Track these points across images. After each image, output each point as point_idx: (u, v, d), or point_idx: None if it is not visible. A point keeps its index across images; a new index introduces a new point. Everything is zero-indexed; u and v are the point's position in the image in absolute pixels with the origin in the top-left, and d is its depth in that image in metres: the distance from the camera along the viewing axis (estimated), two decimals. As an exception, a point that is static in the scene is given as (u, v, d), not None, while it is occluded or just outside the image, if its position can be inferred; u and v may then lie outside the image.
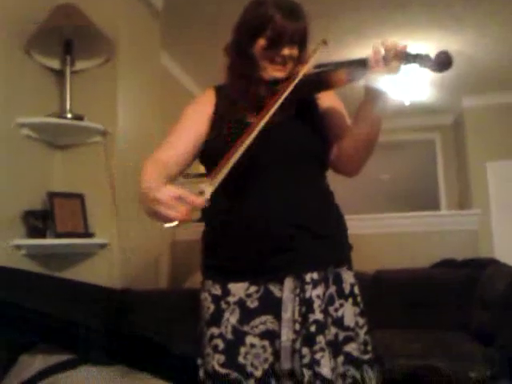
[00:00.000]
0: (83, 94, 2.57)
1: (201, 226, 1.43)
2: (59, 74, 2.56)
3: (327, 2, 3.43)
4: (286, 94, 1.24)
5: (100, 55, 2.58)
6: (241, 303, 1.27)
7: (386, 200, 6.63)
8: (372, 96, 1.25)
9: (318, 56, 1.32)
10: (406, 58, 1.18)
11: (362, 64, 1.22)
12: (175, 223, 1.03)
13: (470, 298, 3.00)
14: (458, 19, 3.90)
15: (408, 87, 4.67)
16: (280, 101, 1.23)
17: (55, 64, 2.53)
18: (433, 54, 1.17)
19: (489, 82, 5.25)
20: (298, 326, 1.23)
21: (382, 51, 1.19)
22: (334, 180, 1.45)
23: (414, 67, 1.20)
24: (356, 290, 1.34)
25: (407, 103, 4.80)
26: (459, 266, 3.39)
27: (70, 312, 1.72)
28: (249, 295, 1.27)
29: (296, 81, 1.27)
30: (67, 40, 2.45)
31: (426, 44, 4.35)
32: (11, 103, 2.32)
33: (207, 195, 1.06)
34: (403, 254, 3.64)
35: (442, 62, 1.16)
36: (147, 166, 1.31)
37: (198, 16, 3.66)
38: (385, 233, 3.79)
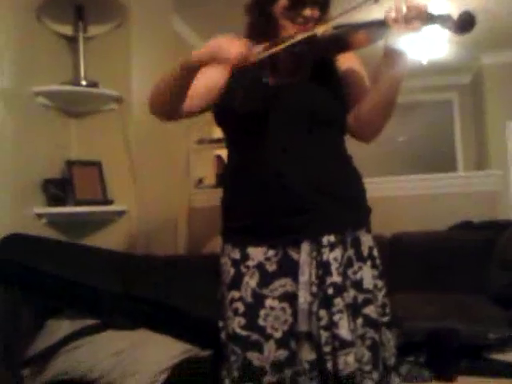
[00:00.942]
0: (97, 60, 2.55)
1: (217, 193, 1.44)
2: (72, 41, 2.53)
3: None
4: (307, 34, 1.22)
5: (112, 20, 2.55)
6: (260, 267, 1.28)
7: (403, 162, 6.54)
8: (391, 57, 1.22)
9: (363, 10, 1.27)
10: (428, 17, 1.14)
11: (381, 24, 1.18)
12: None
13: (489, 260, 2.98)
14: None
15: (425, 45, 4.55)
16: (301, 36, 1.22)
17: (67, 30, 2.50)
18: (455, 13, 1.13)
19: (509, 38, 5.08)
20: (314, 289, 1.24)
21: (404, 10, 1.15)
22: (349, 142, 1.43)
23: (434, 27, 1.16)
24: (375, 252, 1.34)
25: (424, 62, 4.68)
26: (478, 228, 3.37)
27: (92, 278, 1.76)
28: (267, 259, 1.29)
29: (315, 30, 1.24)
30: (79, 5, 2.42)
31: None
32: (25, 71, 2.31)
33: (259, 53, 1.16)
34: (420, 216, 3.62)
35: (464, 23, 1.12)
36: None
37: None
38: (401, 195, 3.76)
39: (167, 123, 1.44)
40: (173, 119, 1.38)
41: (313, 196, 1.26)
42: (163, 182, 2.88)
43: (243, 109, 1.26)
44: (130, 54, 2.66)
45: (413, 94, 5.78)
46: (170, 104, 1.32)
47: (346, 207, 1.31)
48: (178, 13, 3.93)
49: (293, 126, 1.29)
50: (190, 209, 3.76)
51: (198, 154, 4.04)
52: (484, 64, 5.67)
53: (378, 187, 3.63)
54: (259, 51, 1.17)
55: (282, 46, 1.19)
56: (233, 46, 1.13)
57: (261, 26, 1.34)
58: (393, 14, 1.16)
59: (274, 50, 1.18)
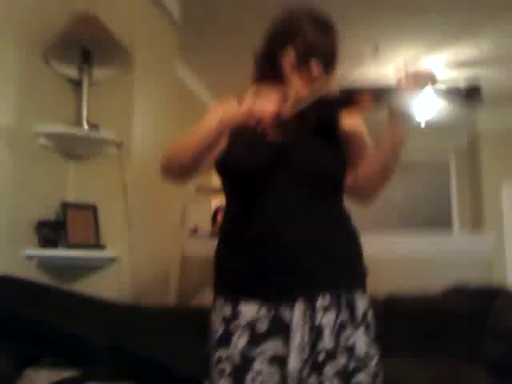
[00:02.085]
0: (100, 104, 2.57)
1: (210, 243, 1.42)
2: (77, 84, 2.56)
3: (341, 9, 3.41)
4: (319, 94, 1.23)
5: (117, 65, 2.59)
6: (250, 326, 1.25)
7: (399, 220, 6.57)
8: (394, 119, 1.23)
9: (367, 60, 1.31)
10: (434, 88, 1.16)
11: (388, 88, 1.20)
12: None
13: (482, 328, 2.94)
14: (476, 35, 3.85)
15: (424, 107, 4.64)
16: (312, 98, 1.23)
17: (73, 73, 2.53)
18: (461, 84, 1.14)
19: (504, 103, 5.19)
20: (305, 354, 1.20)
21: (411, 74, 1.17)
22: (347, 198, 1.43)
23: (441, 99, 1.17)
24: (369, 317, 1.31)
25: (423, 124, 4.77)
26: (471, 294, 3.33)
27: (77, 326, 1.70)
28: (259, 318, 1.25)
29: (325, 87, 1.26)
30: (85, 50, 2.46)
31: (441, 55, 4.31)
32: (28, 111, 2.33)
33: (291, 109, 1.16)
34: (415, 276, 3.59)
35: (471, 93, 1.13)
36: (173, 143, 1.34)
37: (216, 28, 3.67)
38: (396, 254, 3.75)
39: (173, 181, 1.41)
40: (187, 179, 1.37)
41: (309, 256, 1.24)
42: (158, 229, 2.86)
43: (244, 164, 1.26)
44: (132, 100, 2.69)
45: (410, 154, 5.85)
46: (193, 161, 1.29)
47: (342, 268, 1.29)
48: (183, 61, 4.02)
49: (292, 183, 1.28)
50: (183, 258, 3.71)
51: (195, 202, 4.04)
52: (480, 127, 5.79)
53: (373, 245, 3.60)
54: (289, 108, 1.18)
55: (309, 101, 1.20)
56: (268, 105, 1.15)
57: (268, 77, 1.36)
58: (402, 76, 1.18)
59: (302, 104, 1.19)
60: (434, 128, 5.69)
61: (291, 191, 1.28)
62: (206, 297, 1.41)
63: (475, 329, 2.95)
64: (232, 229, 1.34)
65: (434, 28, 3.84)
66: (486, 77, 4.60)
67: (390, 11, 3.58)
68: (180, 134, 1.34)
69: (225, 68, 3.89)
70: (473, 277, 3.43)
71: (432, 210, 6.57)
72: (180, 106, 3.42)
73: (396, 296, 3.36)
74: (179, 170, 1.33)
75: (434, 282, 3.43)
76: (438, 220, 6.26)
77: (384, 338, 1.39)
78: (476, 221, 6.01)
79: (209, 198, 4.27)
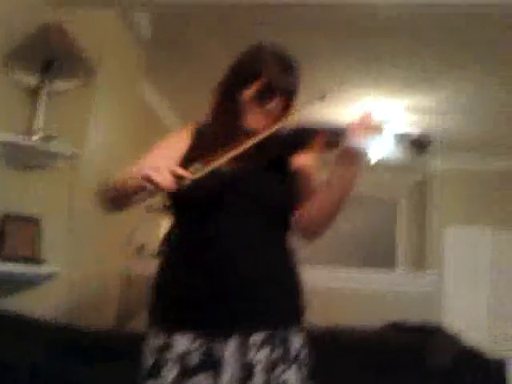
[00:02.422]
0: (56, 115, 2.51)
1: (155, 263, 1.40)
2: (34, 93, 2.50)
3: (306, 51, 3.50)
4: (259, 138, 1.24)
5: (79, 78, 2.55)
6: (181, 358, 1.23)
7: (344, 253, 6.67)
8: (344, 159, 1.25)
9: (310, 109, 1.31)
10: (384, 132, 1.19)
11: (340, 131, 1.23)
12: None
13: (416, 366, 3.00)
14: (432, 82, 4.00)
15: (375, 146, 4.76)
16: (252, 142, 1.23)
17: (32, 81, 2.47)
18: (413, 133, 1.18)
19: (457, 145, 5.39)
20: None
21: (363, 122, 1.20)
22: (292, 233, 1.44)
23: (391, 145, 1.21)
24: (303, 353, 1.31)
25: (372, 161, 4.88)
26: (408, 332, 3.41)
27: (7, 351, 1.62)
28: (191, 350, 1.24)
29: (273, 129, 1.26)
30: (47, 59, 2.41)
31: (399, 101, 4.47)
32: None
33: (190, 178, 1.15)
34: (356, 310, 3.65)
35: (420, 142, 1.17)
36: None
37: (184, 50, 3.67)
38: (339, 287, 3.81)
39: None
40: (117, 211, 1.39)
41: (246, 288, 1.25)
42: (102, 246, 2.79)
43: (193, 192, 1.26)
44: (89, 113, 2.65)
45: (359, 188, 5.98)
46: (126, 200, 1.33)
47: (279, 304, 1.29)
48: (149, 82, 4.01)
49: (236, 214, 1.29)
50: (127, 276, 3.64)
51: (143, 221, 3.98)
52: (430, 168, 5.99)
53: (316, 277, 3.66)
54: (196, 168, 1.17)
55: (215, 163, 1.19)
56: (161, 177, 1.13)
57: (223, 111, 1.37)
58: (352, 124, 1.21)
59: (207, 168, 1.19)
60: (386, 165, 5.86)
61: (235, 223, 1.28)
62: (145, 319, 1.38)
63: (412, 364, 3.00)
64: (172, 254, 1.33)
65: (394, 75, 3.98)
66: (441, 122, 4.80)
67: (353, 58, 3.71)
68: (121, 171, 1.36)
69: (192, 92, 3.89)
70: (412, 313, 3.52)
71: (376, 248, 6.71)
72: (142, 125, 3.39)
73: (336, 329, 3.39)
74: (108, 204, 1.38)
75: (374, 316, 3.49)
76: (382, 258, 6.40)
77: (322, 369, 1.40)
78: (419, 260, 6.17)
79: (158, 217, 4.21)
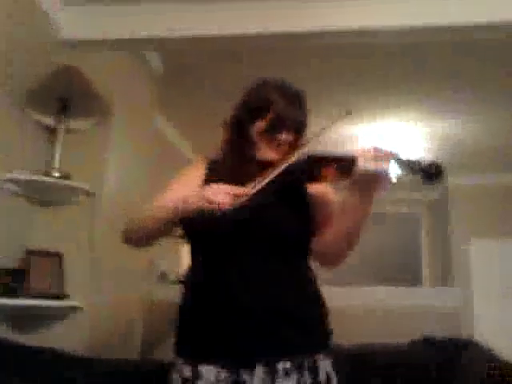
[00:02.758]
0: (74, 153, 2.57)
1: (178, 289, 1.41)
2: (52, 132, 2.56)
3: (315, 81, 3.55)
4: (276, 173, 1.25)
5: (95, 116, 2.61)
6: None
7: (368, 272, 6.60)
8: (356, 196, 1.24)
9: (338, 124, 1.32)
10: (397, 162, 1.18)
11: (352, 160, 1.22)
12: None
13: (448, 381, 2.93)
14: (446, 103, 4.03)
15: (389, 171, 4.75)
16: (269, 177, 1.24)
17: (49, 121, 2.54)
18: (424, 162, 1.16)
19: (473, 162, 5.39)
20: None
21: (372, 151, 1.19)
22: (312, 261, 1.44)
23: (403, 173, 1.19)
24: (332, 378, 1.31)
25: (394, 180, 4.86)
26: (439, 347, 3.34)
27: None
28: (219, 380, 1.24)
29: (288, 162, 1.27)
30: (63, 99, 2.47)
31: (414, 125, 4.48)
32: (0, 158, 2.31)
33: (247, 193, 1.18)
34: (383, 328, 3.60)
35: (431, 175, 1.15)
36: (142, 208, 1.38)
37: (196, 83, 3.75)
38: (366, 305, 3.76)
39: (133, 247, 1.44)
40: (145, 247, 1.41)
41: (270, 320, 1.25)
42: (124, 277, 2.81)
43: (208, 227, 1.27)
44: (107, 150, 2.70)
45: (381, 206, 5.96)
46: (146, 238, 1.37)
47: (304, 332, 1.29)
48: (164, 114, 4.09)
49: (255, 246, 1.30)
50: (150, 303, 3.65)
51: (163, 249, 4.00)
52: (450, 184, 5.94)
53: (341, 296, 3.63)
54: (248, 191, 1.20)
55: (269, 178, 1.22)
56: (221, 197, 1.16)
57: (236, 145, 1.40)
58: (363, 152, 1.20)
59: (259, 186, 1.22)
60: (407, 182, 5.83)
61: (252, 254, 1.30)
62: (170, 345, 1.38)
63: (444, 381, 2.93)
64: (194, 291, 1.35)
65: (406, 100, 4.02)
66: (457, 142, 4.78)
67: (363, 85, 3.74)
68: (147, 203, 1.39)
69: (206, 122, 3.95)
70: (441, 330, 3.45)
71: (402, 266, 6.63)
72: (159, 159, 3.44)
73: (363, 348, 3.34)
74: (135, 242, 1.40)
75: (402, 333, 3.43)
76: (408, 275, 6.31)
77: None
78: (445, 278, 6.08)
79: (177, 245, 4.24)
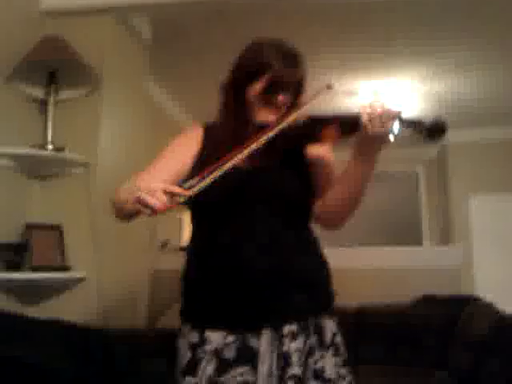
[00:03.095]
0: (66, 124, 2.55)
1: (182, 256, 1.40)
2: (43, 104, 2.52)
3: (311, 37, 3.48)
4: (270, 134, 1.21)
5: (85, 85, 2.57)
6: (218, 353, 1.25)
7: (368, 231, 6.63)
8: (363, 154, 1.22)
9: (319, 100, 1.27)
10: (401, 121, 1.15)
11: (354, 120, 1.19)
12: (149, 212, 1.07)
13: (450, 337, 2.98)
14: (440, 57, 3.96)
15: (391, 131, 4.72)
16: (262, 139, 1.20)
17: (39, 93, 2.51)
18: (428, 120, 1.13)
19: (471, 117, 5.34)
20: (274, 381, 1.20)
21: (377, 111, 1.16)
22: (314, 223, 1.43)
23: (407, 131, 1.16)
24: (338, 338, 1.32)
25: (392, 139, 4.84)
26: (440, 304, 3.38)
27: (39, 356, 1.64)
28: (226, 344, 1.25)
29: (284, 123, 1.24)
30: (52, 71, 2.44)
31: (409, 81, 4.42)
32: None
33: (186, 195, 1.10)
34: (384, 289, 3.63)
35: (436, 131, 1.13)
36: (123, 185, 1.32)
37: (187, 47, 3.68)
38: (366, 266, 3.78)
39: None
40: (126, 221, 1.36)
41: (275, 284, 1.25)
42: (126, 247, 2.82)
43: (210, 194, 1.25)
44: (99, 119, 2.66)
45: (379, 165, 5.93)
46: (130, 215, 1.30)
47: (308, 294, 1.29)
48: (155, 80, 4.02)
49: (259, 210, 1.29)
50: (154, 272, 3.67)
51: (164, 216, 4.00)
52: (448, 141, 5.91)
53: (342, 258, 3.64)
54: (191, 184, 1.12)
55: (214, 174, 1.13)
56: (154, 199, 1.06)
57: (233, 108, 1.37)
58: (367, 110, 1.16)
59: (206, 180, 1.13)
60: (404, 140, 5.80)
61: (258, 220, 1.28)
62: (177, 312, 1.39)
63: (446, 337, 2.99)
64: (198, 256, 1.34)
65: (405, 58, 3.96)
66: (454, 97, 4.73)
67: (361, 43, 3.67)
68: (132, 177, 1.34)
69: (198, 87, 3.90)
70: (442, 288, 3.48)
71: (402, 225, 6.65)
72: (153, 125, 3.39)
73: (367, 307, 3.39)
74: (121, 218, 1.34)
75: (403, 293, 3.47)
76: (408, 234, 6.34)
77: (355, 347, 1.39)
78: (445, 236, 6.11)
79: (178, 212, 4.24)
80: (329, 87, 1.28)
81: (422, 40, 3.68)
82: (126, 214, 1.28)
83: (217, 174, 1.13)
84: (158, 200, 1.06)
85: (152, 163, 1.37)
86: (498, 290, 4.77)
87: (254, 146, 1.19)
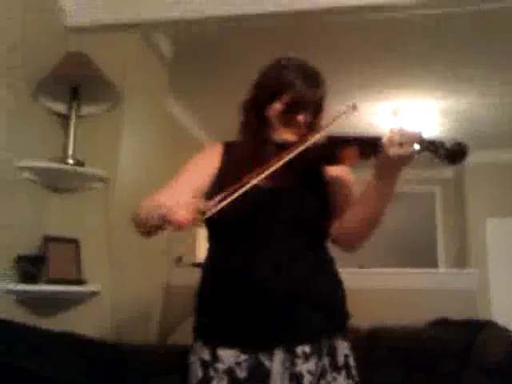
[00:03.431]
0: (87, 139, 2.59)
1: (196, 272, 1.41)
2: (65, 119, 2.57)
3: (332, 59, 3.50)
4: (292, 155, 1.21)
5: (106, 101, 2.62)
6: (229, 372, 1.24)
7: (385, 252, 6.57)
8: (384, 176, 1.21)
9: (343, 120, 1.26)
10: (421, 143, 1.14)
11: (375, 142, 1.18)
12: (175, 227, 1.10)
13: (466, 361, 2.93)
14: (460, 80, 3.96)
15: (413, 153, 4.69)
16: (284, 160, 1.20)
17: (62, 109, 2.56)
18: (448, 142, 1.12)
19: (489, 139, 5.29)
20: None
21: (398, 134, 1.15)
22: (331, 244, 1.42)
23: (427, 154, 1.15)
24: (351, 361, 1.31)
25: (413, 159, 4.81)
26: (455, 327, 3.33)
27: (53, 369, 1.65)
28: (238, 363, 1.25)
29: (308, 143, 1.24)
30: (75, 86, 2.49)
31: (428, 103, 4.42)
32: (14, 146, 2.34)
33: (210, 211, 1.11)
34: (399, 310, 3.58)
35: (455, 155, 1.12)
36: (146, 200, 1.33)
37: (208, 64, 3.71)
38: (381, 288, 3.75)
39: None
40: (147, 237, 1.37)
41: (289, 304, 1.24)
42: (141, 262, 2.83)
43: (229, 213, 1.26)
44: (120, 135, 2.69)
45: (397, 185, 5.89)
46: (151, 232, 1.31)
47: (322, 315, 1.28)
48: (175, 98, 4.07)
49: (274, 230, 1.29)
50: (167, 287, 3.68)
51: (178, 232, 4.01)
52: (466, 162, 5.84)
53: (357, 278, 3.62)
54: (215, 203, 1.12)
55: (235, 194, 1.14)
56: (179, 215, 1.09)
57: (253, 127, 1.38)
58: (387, 135, 1.16)
59: (228, 199, 1.13)
60: (421, 161, 5.76)
61: (274, 241, 1.28)
62: (189, 328, 1.39)
63: (462, 362, 2.93)
64: (214, 274, 1.34)
65: (426, 77, 3.94)
66: (472, 118, 4.71)
67: (383, 61, 3.68)
68: (154, 194, 1.35)
69: (218, 104, 3.93)
70: (457, 312, 3.43)
71: (417, 246, 6.58)
72: (173, 142, 3.43)
73: (380, 328, 3.34)
74: (141, 234, 1.35)
75: (417, 315, 3.43)
76: (423, 256, 6.27)
77: (367, 369, 1.38)
78: (461, 259, 6.03)
79: (194, 228, 4.25)
80: (354, 107, 1.28)
81: (444, 62, 3.68)
82: (149, 229, 1.29)
83: (240, 191, 1.14)
84: (182, 216, 1.08)
85: (173, 179, 1.38)
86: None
87: (276, 166, 1.19)
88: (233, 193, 1.14)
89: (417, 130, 1.15)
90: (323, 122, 1.35)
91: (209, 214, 1.11)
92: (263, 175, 1.18)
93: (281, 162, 1.20)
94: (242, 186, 1.15)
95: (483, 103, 4.44)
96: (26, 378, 1.55)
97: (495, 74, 3.88)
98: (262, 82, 1.39)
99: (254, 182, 1.16)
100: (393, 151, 1.14)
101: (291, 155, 1.22)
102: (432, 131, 4.96)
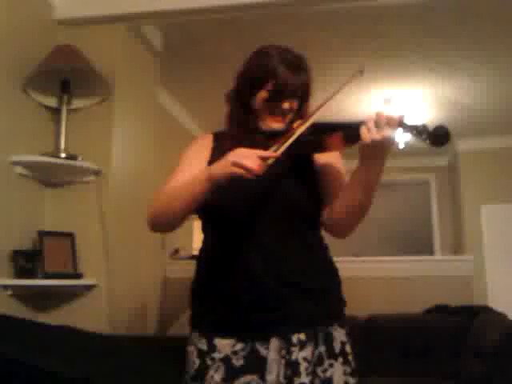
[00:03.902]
0: (79, 132, 2.58)
1: (191, 264, 1.41)
2: (56, 113, 2.56)
3: (321, 47, 3.49)
4: (298, 132, 1.23)
5: (97, 94, 2.61)
6: (226, 360, 1.24)
7: (380, 241, 6.60)
8: (367, 162, 1.21)
9: (350, 84, 1.29)
10: (402, 126, 1.15)
11: (358, 128, 1.19)
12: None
13: (462, 346, 2.96)
14: (452, 66, 3.96)
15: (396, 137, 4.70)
16: (303, 127, 1.24)
17: (52, 102, 2.55)
18: (431, 126, 1.13)
19: (482, 126, 5.32)
20: None
21: (376, 119, 1.15)
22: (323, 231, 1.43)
23: (411, 138, 1.16)
24: (347, 348, 1.30)
25: (401, 146, 4.83)
26: (452, 313, 3.36)
27: (50, 360, 1.65)
28: (235, 352, 1.25)
29: (313, 118, 1.26)
30: (64, 79, 2.48)
31: (421, 89, 4.42)
32: (6, 141, 2.33)
33: (275, 156, 1.17)
34: (396, 298, 3.61)
35: (438, 138, 1.13)
36: (160, 191, 1.33)
37: (198, 55, 3.71)
38: (378, 276, 3.77)
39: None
40: (174, 229, 1.36)
41: (284, 292, 1.24)
42: (137, 254, 2.83)
43: (223, 204, 1.26)
44: (111, 128, 2.69)
45: (391, 174, 5.91)
46: (180, 219, 1.29)
47: (318, 303, 1.28)
48: (165, 88, 4.05)
49: (267, 219, 1.29)
50: (164, 280, 3.69)
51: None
52: (459, 149, 5.88)
53: (354, 267, 3.65)
54: (273, 151, 1.20)
55: (289, 141, 1.21)
56: (251, 161, 1.13)
57: (239, 117, 1.37)
58: (366, 121, 1.17)
59: (283, 146, 1.21)
60: (415, 149, 5.78)
61: (267, 229, 1.28)
62: (187, 320, 1.39)
63: (456, 346, 2.97)
64: (208, 263, 1.34)
65: (412, 63, 3.94)
66: (464, 105, 4.72)
67: (368, 48, 3.67)
68: (160, 189, 1.34)
69: (209, 95, 3.92)
70: (454, 298, 3.46)
71: (413, 234, 6.61)
72: (164, 133, 3.42)
73: (378, 316, 3.37)
74: (166, 225, 1.34)
75: (414, 303, 3.45)
76: (419, 243, 6.30)
77: (366, 357, 1.39)
78: (457, 246, 6.06)
79: (189, 220, 4.26)
80: (361, 72, 1.30)
81: (435, 50, 3.69)
82: (175, 214, 1.27)
83: (291, 140, 1.22)
84: (253, 162, 1.12)
85: (175, 170, 1.37)
86: (510, 299, 4.72)
87: (285, 144, 1.22)
88: (284, 142, 1.20)
89: (396, 114, 1.16)
90: (331, 89, 1.33)
91: (271, 160, 1.16)
92: (307, 124, 1.24)
93: (288, 141, 1.23)
94: (290, 137, 1.22)
95: (475, 90, 4.45)
96: (22, 371, 1.55)
97: (488, 62, 3.88)
98: (245, 70, 1.38)
99: (300, 131, 1.23)
100: (369, 136, 1.15)
101: (296, 133, 1.24)
102: (424, 120, 4.97)
